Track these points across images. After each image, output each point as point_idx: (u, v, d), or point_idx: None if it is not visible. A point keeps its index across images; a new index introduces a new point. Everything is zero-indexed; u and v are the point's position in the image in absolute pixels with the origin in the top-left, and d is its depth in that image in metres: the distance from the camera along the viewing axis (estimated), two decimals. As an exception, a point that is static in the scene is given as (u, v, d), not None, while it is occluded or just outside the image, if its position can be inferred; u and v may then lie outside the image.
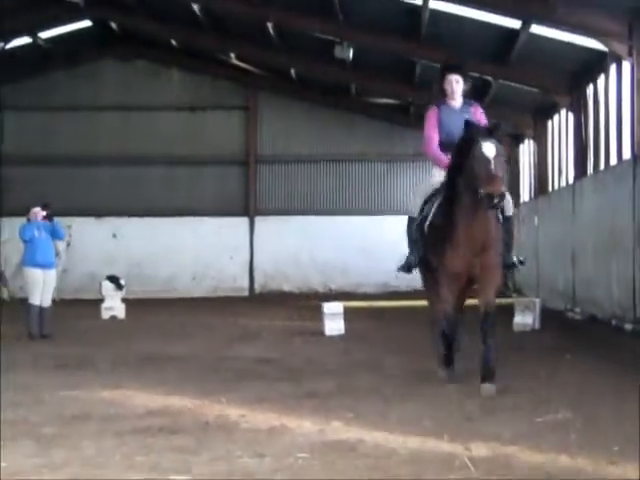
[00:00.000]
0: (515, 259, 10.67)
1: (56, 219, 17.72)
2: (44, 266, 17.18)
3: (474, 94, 11.54)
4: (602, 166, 20.38)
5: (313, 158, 33.08)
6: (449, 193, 10.00)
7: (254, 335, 17.36)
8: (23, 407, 9.13)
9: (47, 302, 17.25)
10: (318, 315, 17.80)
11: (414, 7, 20.37)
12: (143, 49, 32.51)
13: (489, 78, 23.53)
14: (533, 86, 23.24)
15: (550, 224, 24.59)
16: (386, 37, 22.75)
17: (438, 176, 10.54)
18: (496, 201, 9.18)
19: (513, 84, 23.47)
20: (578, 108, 21.99)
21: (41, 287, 17.17)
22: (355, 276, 32.31)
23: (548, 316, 18.97)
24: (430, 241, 10.36)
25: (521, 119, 26.93)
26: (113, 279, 22.83)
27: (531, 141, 27.74)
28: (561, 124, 24.47)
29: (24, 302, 17.66)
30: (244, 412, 8.73)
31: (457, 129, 10.07)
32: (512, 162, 28.40)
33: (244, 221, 32.92)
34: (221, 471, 6.48)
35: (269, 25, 24.71)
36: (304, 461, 6.76)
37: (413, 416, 8.44)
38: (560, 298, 22.40)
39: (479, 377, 9.80)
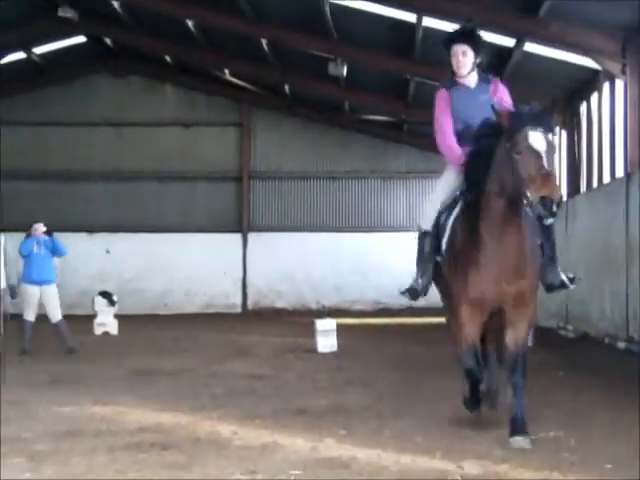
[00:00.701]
0: (564, 276, 8.71)
1: (55, 235, 17.69)
2: (40, 282, 17.15)
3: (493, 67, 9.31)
4: (595, 184, 20.45)
5: (307, 174, 33.03)
6: (472, 198, 8.09)
7: (246, 351, 17.32)
8: (15, 423, 9.11)
9: (56, 317, 17.16)
10: (311, 332, 17.76)
11: (408, 25, 20.44)
12: (137, 65, 32.47)
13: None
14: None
15: (543, 242, 24.56)
16: (380, 54, 22.82)
17: (454, 178, 8.58)
18: (555, 208, 7.20)
19: (506, 102, 23.47)
20: (571, 126, 22.07)
21: (35, 304, 17.13)
22: (349, 293, 32.14)
23: (541, 334, 18.96)
24: (450, 261, 8.36)
25: (514, 137, 26.93)
26: (106, 295, 22.79)
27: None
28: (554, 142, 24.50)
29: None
30: (236, 428, 8.72)
31: (475, 114, 8.30)
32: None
33: (237, 237, 32.81)
34: (213, 488, 6.49)
35: (263, 42, 24.74)
36: (297, 478, 6.76)
37: (406, 433, 8.44)
38: (553, 316, 22.40)
39: (507, 428, 8.05)
